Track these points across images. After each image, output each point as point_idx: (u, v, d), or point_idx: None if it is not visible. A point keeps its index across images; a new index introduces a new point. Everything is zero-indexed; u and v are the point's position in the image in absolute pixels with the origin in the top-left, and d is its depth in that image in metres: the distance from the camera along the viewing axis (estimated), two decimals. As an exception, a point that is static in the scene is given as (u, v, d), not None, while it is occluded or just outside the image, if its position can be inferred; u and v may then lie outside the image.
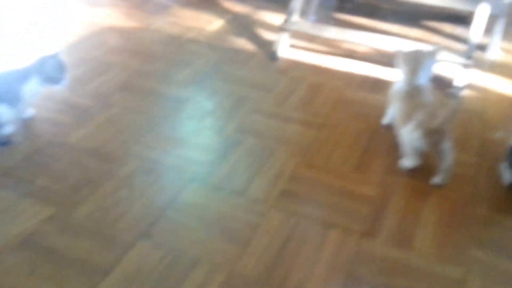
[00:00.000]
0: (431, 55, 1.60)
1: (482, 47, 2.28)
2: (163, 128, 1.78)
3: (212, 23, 2.58)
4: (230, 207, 1.45)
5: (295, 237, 1.36)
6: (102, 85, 2.00)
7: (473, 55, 1.97)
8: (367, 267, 1.27)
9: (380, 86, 2.04)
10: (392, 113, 1.68)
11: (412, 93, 1.55)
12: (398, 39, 2.15)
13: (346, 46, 2.33)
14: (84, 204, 1.43)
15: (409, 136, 1.48)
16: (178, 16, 2.66)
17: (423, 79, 1.59)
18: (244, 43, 2.38)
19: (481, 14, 2.01)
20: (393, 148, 1.67)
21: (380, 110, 1.86)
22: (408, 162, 1.55)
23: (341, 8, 2.76)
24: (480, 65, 2.17)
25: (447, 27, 2.54)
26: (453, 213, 1.43)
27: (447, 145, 1.45)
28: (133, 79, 2.06)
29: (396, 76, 1.69)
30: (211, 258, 1.29)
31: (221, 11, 2.72)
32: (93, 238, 1.33)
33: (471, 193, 1.50)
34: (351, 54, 2.28)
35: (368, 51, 2.28)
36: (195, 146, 1.70)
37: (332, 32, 2.26)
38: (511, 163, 1.50)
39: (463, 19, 2.35)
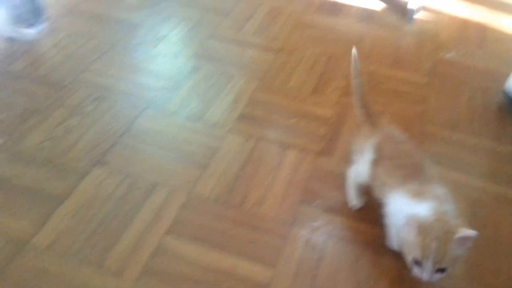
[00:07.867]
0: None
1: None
2: (114, 54, 1.69)
3: None
4: (188, 133, 1.43)
5: (253, 158, 1.37)
6: (48, 8, 1.86)
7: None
8: (323, 183, 1.31)
9: (337, 9, 2.01)
10: None
11: None
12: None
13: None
14: (33, 133, 1.37)
15: None
16: None
17: None
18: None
19: None
20: (349, 71, 1.67)
21: (337, 33, 1.84)
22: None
23: None
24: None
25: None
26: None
27: None
28: (81, 2, 1.93)
29: None
30: (169, 181, 1.29)
31: None
32: (45, 167, 1.29)
33: (422, 111, 1.54)
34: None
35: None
36: (148, 73, 1.63)
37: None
38: None
39: None
